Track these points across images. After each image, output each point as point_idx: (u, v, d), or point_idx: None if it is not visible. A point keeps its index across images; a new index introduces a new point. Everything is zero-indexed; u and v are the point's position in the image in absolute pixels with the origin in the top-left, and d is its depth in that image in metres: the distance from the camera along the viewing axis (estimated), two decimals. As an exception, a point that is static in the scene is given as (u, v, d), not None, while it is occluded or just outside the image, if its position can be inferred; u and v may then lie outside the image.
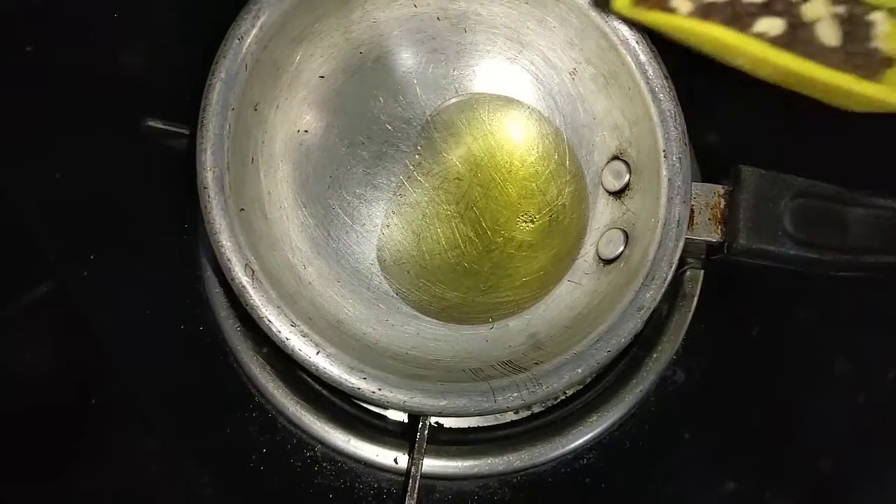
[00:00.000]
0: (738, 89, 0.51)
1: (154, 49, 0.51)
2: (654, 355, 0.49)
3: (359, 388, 0.36)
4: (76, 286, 0.49)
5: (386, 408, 0.39)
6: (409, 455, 0.43)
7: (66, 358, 0.49)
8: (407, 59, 0.46)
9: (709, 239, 0.42)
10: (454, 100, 0.47)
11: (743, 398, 0.50)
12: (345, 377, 0.36)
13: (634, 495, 0.48)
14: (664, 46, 0.42)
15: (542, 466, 0.48)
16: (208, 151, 0.36)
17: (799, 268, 0.41)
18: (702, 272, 0.50)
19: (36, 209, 0.50)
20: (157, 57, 0.51)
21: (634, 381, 0.48)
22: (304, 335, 0.36)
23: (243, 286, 0.36)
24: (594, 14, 0.42)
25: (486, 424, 0.49)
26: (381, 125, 0.46)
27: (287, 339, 0.36)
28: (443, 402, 0.37)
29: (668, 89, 0.41)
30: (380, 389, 0.36)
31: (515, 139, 0.47)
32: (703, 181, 0.44)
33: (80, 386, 0.48)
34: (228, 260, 0.36)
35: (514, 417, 0.49)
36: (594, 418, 0.48)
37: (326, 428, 0.47)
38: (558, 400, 0.50)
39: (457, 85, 0.47)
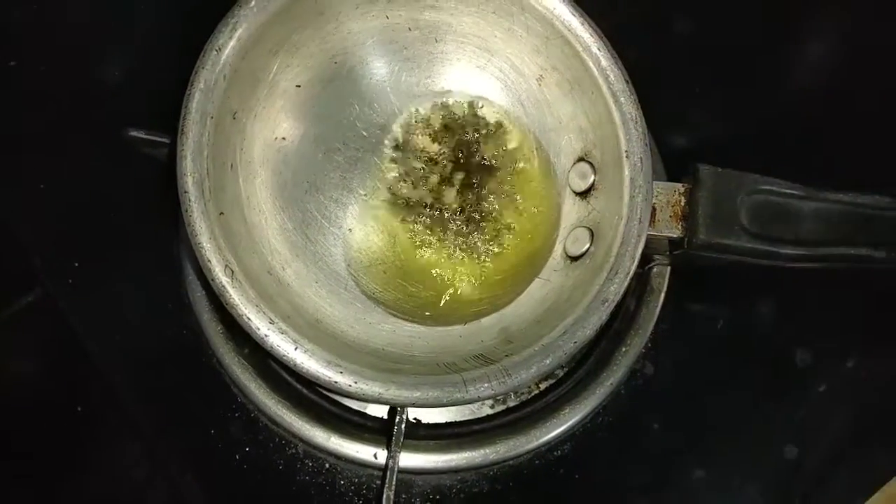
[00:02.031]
0: (702, 93, 0.55)
1: (136, 62, 0.53)
2: (624, 349, 0.51)
3: (336, 382, 0.37)
4: (62, 294, 0.50)
5: (363, 400, 0.41)
6: (387, 448, 0.45)
7: (53, 365, 0.50)
8: (380, 67, 0.48)
9: (670, 235, 0.43)
10: (427, 106, 0.49)
11: (710, 389, 0.52)
12: (322, 371, 0.37)
13: (607, 484, 0.50)
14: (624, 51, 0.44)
15: (517, 459, 0.49)
16: (188, 158, 0.38)
17: (755, 260, 0.43)
18: (668, 269, 0.52)
19: (21, 220, 0.51)
20: (139, 69, 0.52)
21: (605, 374, 0.50)
22: (283, 332, 0.37)
23: (223, 286, 0.37)
24: (557, 23, 0.43)
25: (462, 419, 0.50)
26: (357, 131, 0.48)
27: (266, 335, 0.37)
28: (417, 394, 0.38)
29: (628, 93, 0.43)
30: (356, 382, 0.37)
31: (487, 144, 0.49)
32: (668, 181, 0.45)
33: (68, 391, 0.49)
34: (209, 261, 0.37)
35: (490, 412, 0.51)
36: (567, 411, 0.49)
37: (307, 426, 0.48)
38: (532, 394, 0.51)
39: (429, 92, 0.49)
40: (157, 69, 0.50)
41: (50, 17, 0.54)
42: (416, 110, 0.48)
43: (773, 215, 0.42)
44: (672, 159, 0.52)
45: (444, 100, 0.48)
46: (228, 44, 0.39)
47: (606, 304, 0.40)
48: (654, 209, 0.43)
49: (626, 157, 0.42)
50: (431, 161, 0.48)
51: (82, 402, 0.49)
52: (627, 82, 0.43)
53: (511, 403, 0.51)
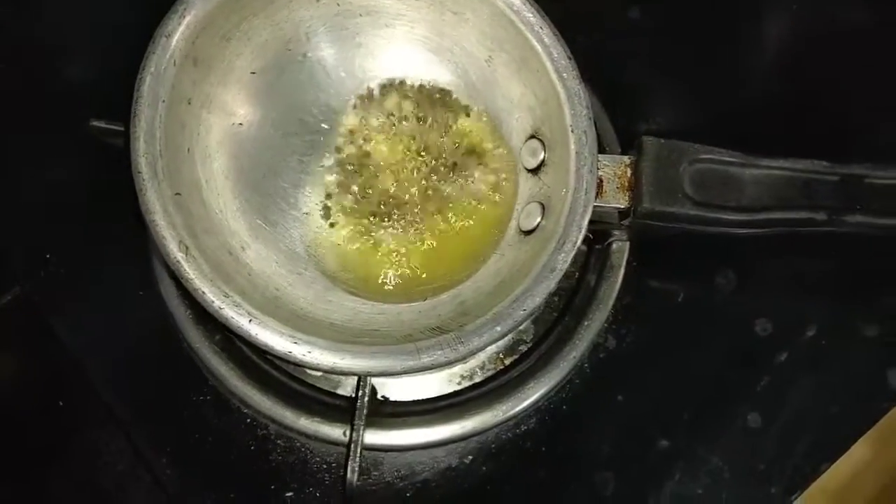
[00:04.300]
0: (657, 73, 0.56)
1: (95, 55, 0.54)
2: (586, 323, 0.52)
3: (290, 352, 0.39)
4: (36, 289, 0.52)
5: (318, 370, 0.42)
6: (350, 422, 0.46)
7: (32, 360, 0.52)
8: (334, 53, 0.49)
9: (617, 205, 0.45)
10: (380, 90, 0.50)
11: (671, 361, 0.53)
12: (276, 341, 0.39)
13: (573, 457, 0.51)
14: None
15: (485, 433, 0.50)
16: (141, 139, 0.39)
17: (701, 227, 0.44)
18: (627, 244, 0.53)
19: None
20: (99, 62, 0.54)
21: (568, 348, 0.51)
22: (237, 305, 0.39)
23: (178, 262, 0.39)
24: (500, 3, 0.45)
25: (429, 396, 0.51)
26: (313, 116, 0.49)
27: (220, 308, 0.39)
28: (371, 363, 0.39)
29: (571, 69, 0.44)
30: (310, 352, 0.39)
31: (442, 125, 0.50)
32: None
33: (47, 385, 0.51)
34: (163, 238, 0.39)
35: (457, 388, 0.52)
36: (532, 385, 0.50)
37: (278, 407, 0.50)
38: (497, 369, 0.52)
39: (382, 76, 0.50)
40: (116, 62, 0.51)
41: (8, 15, 0.56)
42: (370, 94, 0.50)
43: (716, 183, 0.44)
44: (626, 136, 0.53)
45: (397, 83, 0.50)
46: (178, 30, 0.41)
47: (554, 272, 0.42)
48: (601, 181, 0.44)
49: (572, 131, 0.43)
50: (386, 143, 0.49)
51: (61, 395, 0.50)
52: (570, 59, 0.44)
53: (477, 379, 0.52)
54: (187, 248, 0.38)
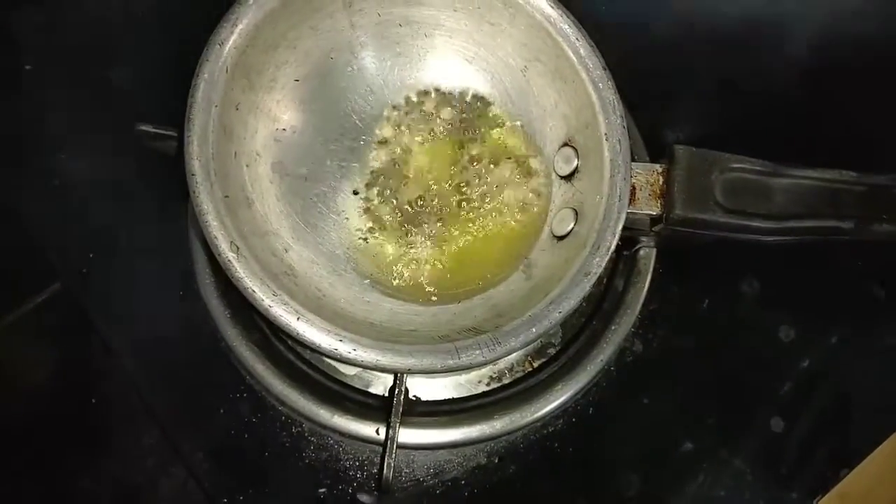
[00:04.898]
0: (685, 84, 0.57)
1: (143, 62, 0.55)
2: (613, 328, 0.53)
3: (336, 349, 0.40)
4: (77, 285, 0.53)
5: (361, 367, 0.43)
6: (387, 419, 0.47)
7: (70, 355, 0.52)
8: (374, 62, 0.51)
9: (650, 212, 0.46)
10: (418, 98, 0.51)
11: (696, 365, 0.54)
12: (322, 339, 0.40)
13: (599, 458, 0.52)
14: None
15: (513, 434, 0.52)
16: (195, 143, 0.41)
17: (730, 234, 0.45)
18: (654, 251, 0.54)
19: (38, 215, 0.54)
20: (146, 69, 0.55)
21: (595, 351, 0.52)
22: (286, 303, 0.40)
23: (229, 261, 0.40)
24: (538, 15, 0.46)
25: (460, 396, 0.53)
26: (352, 122, 0.50)
27: (270, 306, 0.40)
28: (412, 360, 0.41)
29: (606, 80, 0.45)
30: (355, 350, 0.40)
31: (478, 133, 0.51)
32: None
33: (87, 379, 0.52)
34: (215, 238, 0.40)
35: (486, 389, 0.53)
36: (560, 387, 0.52)
37: (312, 405, 0.51)
38: (526, 371, 0.53)
39: (420, 84, 0.52)
40: (162, 69, 0.53)
41: (60, 22, 0.57)
42: (408, 102, 0.51)
43: (746, 191, 0.45)
44: (655, 145, 0.55)
45: (435, 91, 0.51)
46: (230, 38, 0.42)
47: (589, 276, 0.43)
48: (634, 188, 0.46)
49: (606, 139, 0.45)
50: (423, 150, 0.51)
51: (99, 390, 0.51)
52: (605, 69, 0.45)
53: (506, 381, 0.53)
54: (238, 248, 0.40)
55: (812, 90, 0.58)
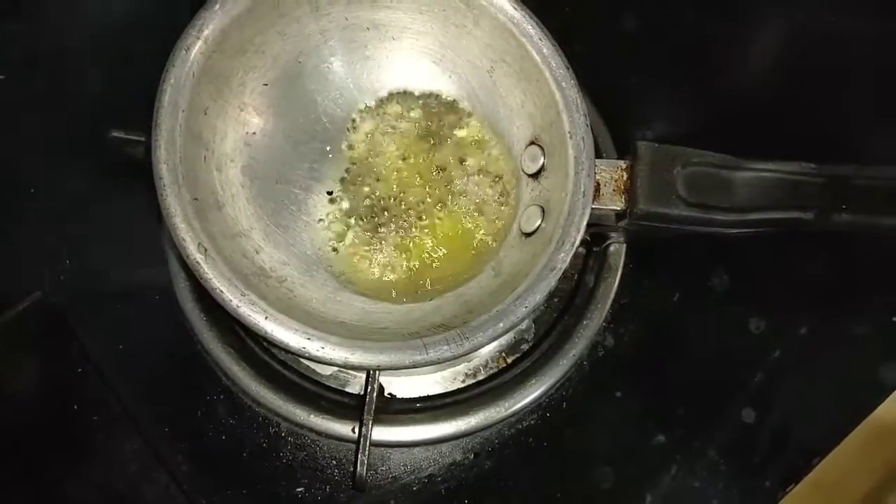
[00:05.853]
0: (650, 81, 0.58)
1: (116, 68, 0.56)
2: (585, 322, 0.54)
3: (304, 348, 0.40)
4: (55, 291, 0.53)
5: (331, 364, 0.43)
6: (359, 417, 0.48)
7: (51, 363, 0.53)
8: (342, 65, 0.51)
9: (614, 207, 0.47)
10: (387, 99, 0.52)
11: (668, 358, 0.55)
12: (291, 338, 0.40)
13: (573, 452, 0.53)
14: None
15: (488, 430, 0.52)
16: (162, 147, 0.41)
17: (695, 228, 0.46)
18: (624, 246, 0.55)
19: (15, 222, 0.55)
20: (120, 75, 0.56)
21: (568, 346, 0.53)
22: (254, 303, 0.41)
23: (197, 262, 0.40)
24: (501, 16, 0.47)
25: (434, 393, 0.53)
26: (322, 125, 0.51)
27: (238, 306, 0.40)
28: (381, 357, 0.41)
29: (569, 79, 0.46)
30: (323, 348, 0.41)
31: (446, 133, 0.52)
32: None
33: (67, 385, 0.52)
34: (183, 240, 0.41)
35: (461, 385, 0.54)
36: (533, 382, 0.52)
37: (289, 405, 0.51)
38: (500, 367, 0.54)
39: (389, 86, 0.52)
40: (134, 76, 0.53)
41: (33, 31, 0.58)
42: (378, 103, 0.52)
43: (708, 185, 0.45)
44: (622, 141, 0.55)
45: (403, 93, 0.52)
46: (196, 44, 0.43)
47: (554, 271, 0.44)
48: (598, 185, 0.46)
49: (570, 137, 0.46)
50: (392, 151, 0.51)
51: (79, 396, 0.51)
52: (568, 69, 0.46)
53: (481, 377, 0.54)
54: (206, 249, 0.40)
55: (775, 84, 0.59)
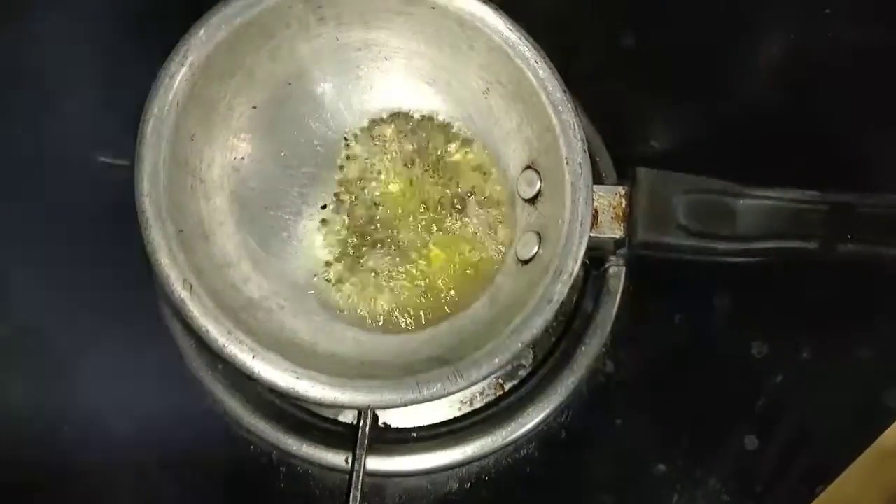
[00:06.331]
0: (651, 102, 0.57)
1: (102, 92, 0.55)
2: (584, 348, 0.52)
3: (293, 388, 0.39)
4: (39, 319, 0.52)
5: (321, 405, 0.43)
6: (352, 451, 0.47)
7: (36, 389, 0.52)
8: (334, 86, 0.50)
9: (612, 235, 0.45)
10: (379, 121, 0.51)
11: (669, 385, 0.54)
12: (279, 377, 0.39)
13: (572, 481, 0.52)
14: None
15: (484, 459, 0.51)
16: (145, 180, 0.40)
17: (695, 257, 0.45)
18: (624, 269, 0.54)
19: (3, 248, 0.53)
20: (106, 99, 0.54)
21: (566, 373, 0.52)
22: (241, 342, 0.39)
23: (182, 300, 0.39)
24: (497, 38, 0.46)
25: (430, 423, 0.52)
26: (313, 148, 0.50)
27: (224, 346, 0.39)
28: (372, 397, 0.40)
29: (566, 102, 0.45)
30: (312, 388, 0.39)
31: (440, 156, 0.51)
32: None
33: (51, 413, 0.51)
34: (167, 276, 0.39)
35: (457, 413, 0.53)
36: (531, 410, 0.51)
37: (281, 434, 0.50)
38: (497, 395, 0.53)
39: (381, 108, 0.51)
40: (122, 98, 0.52)
41: (18, 49, 0.56)
42: (370, 126, 0.51)
43: (709, 213, 0.44)
44: (622, 163, 0.54)
45: (397, 115, 0.51)
46: (180, 71, 0.42)
47: (551, 303, 0.42)
48: (596, 211, 0.45)
49: (567, 163, 0.44)
50: (385, 175, 0.50)
51: (66, 422, 0.51)
52: (565, 92, 0.45)
53: (477, 405, 0.53)
54: (191, 286, 0.39)
55: (779, 108, 0.58)
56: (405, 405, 0.40)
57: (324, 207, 0.50)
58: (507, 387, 0.53)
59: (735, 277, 0.54)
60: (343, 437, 0.51)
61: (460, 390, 0.41)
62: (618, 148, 0.55)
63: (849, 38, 0.59)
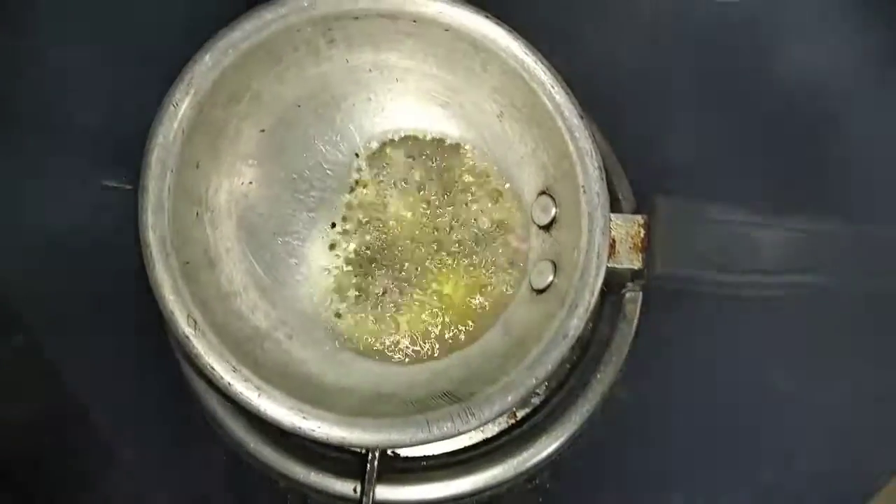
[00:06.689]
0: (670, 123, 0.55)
1: (109, 115, 0.54)
2: (599, 376, 0.51)
3: (299, 427, 0.38)
4: (45, 338, 0.51)
5: (328, 444, 0.42)
6: (360, 486, 0.45)
7: (37, 408, 0.51)
8: (343, 108, 0.49)
9: (630, 266, 0.44)
10: (391, 144, 0.49)
11: (685, 413, 0.52)
12: (285, 417, 0.38)
13: (586, 512, 0.50)
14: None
15: (497, 488, 0.50)
16: (149, 212, 0.39)
17: (716, 290, 0.44)
18: (641, 294, 0.52)
19: (5, 269, 0.52)
20: (113, 123, 0.53)
21: (581, 401, 0.51)
22: (247, 379, 0.38)
23: (186, 337, 0.38)
24: (512, 61, 0.44)
25: (441, 452, 0.51)
26: (322, 171, 0.49)
27: (229, 383, 0.38)
28: (380, 436, 0.39)
29: (583, 128, 0.43)
30: (319, 427, 0.38)
31: (452, 180, 0.50)
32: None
33: (56, 434, 0.50)
34: (172, 313, 0.38)
35: (469, 443, 0.51)
36: (544, 439, 0.50)
37: (288, 462, 0.49)
38: (509, 423, 0.52)
39: (393, 130, 0.50)
40: (129, 122, 0.51)
41: (29, 69, 0.56)
42: (381, 148, 0.49)
43: (731, 244, 0.43)
44: (641, 189, 0.53)
45: (408, 138, 0.49)
46: (185, 99, 0.40)
47: (567, 338, 0.41)
48: (613, 241, 0.44)
49: (584, 191, 0.43)
50: (395, 199, 0.49)
51: (67, 443, 0.50)
52: (582, 118, 0.43)
53: (489, 433, 0.52)
54: (196, 322, 0.38)
55: (805, 135, 0.56)
56: (414, 445, 0.39)
57: (333, 226, 0.48)
58: (520, 415, 0.52)
59: (755, 307, 0.52)
60: (352, 465, 0.49)
61: (472, 429, 0.40)
62: (636, 171, 0.53)
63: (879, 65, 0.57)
